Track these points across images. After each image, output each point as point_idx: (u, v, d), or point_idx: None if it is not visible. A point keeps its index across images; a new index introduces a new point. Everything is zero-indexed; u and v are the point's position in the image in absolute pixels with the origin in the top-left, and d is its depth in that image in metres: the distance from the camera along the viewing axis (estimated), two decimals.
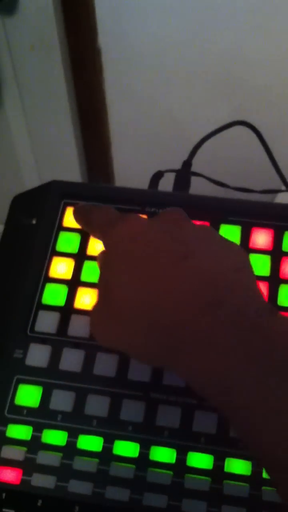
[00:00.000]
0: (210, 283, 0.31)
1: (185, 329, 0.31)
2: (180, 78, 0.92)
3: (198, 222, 0.44)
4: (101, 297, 0.35)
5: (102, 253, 0.39)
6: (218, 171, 0.61)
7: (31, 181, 1.02)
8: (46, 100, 0.97)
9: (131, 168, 0.53)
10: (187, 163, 0.51)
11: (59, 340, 0.41)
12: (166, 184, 0.53)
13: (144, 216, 0.43)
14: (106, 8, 0.87)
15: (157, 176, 0.51)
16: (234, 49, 0.89)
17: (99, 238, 0.39)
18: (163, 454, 0.38)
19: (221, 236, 0.36)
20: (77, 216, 0.41)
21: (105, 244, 0.37)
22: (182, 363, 0.31)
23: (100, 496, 0.37)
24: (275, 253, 0.43)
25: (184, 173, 0.50)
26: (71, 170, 1.01)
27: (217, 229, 0.44)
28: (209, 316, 0.30)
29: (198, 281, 0.31)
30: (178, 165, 0.53)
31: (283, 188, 0.56)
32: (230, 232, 0.44)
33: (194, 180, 0.54)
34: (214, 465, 0.38)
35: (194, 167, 0.54)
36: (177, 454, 0.38)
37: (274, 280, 0.42)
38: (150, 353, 0.33)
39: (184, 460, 0.38)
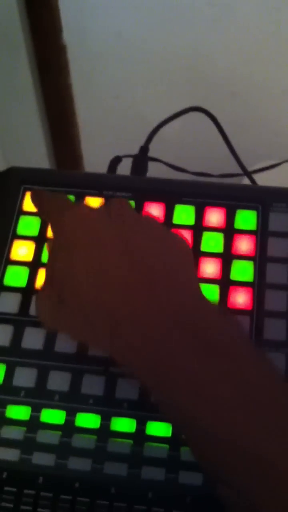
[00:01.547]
0: (147, 277, 0.33)
1: (125, 318, 0.32)
2: (143, 71, 0.94)
3: (154, 204, 0.46)
4: (46, 281, 0.37)
5: (50, 239, 0.40)
6: (182, 158, 0.63)
7: None
8: (12, 98, 0.97)
9: (99, 157, 0.55)
10: (144, 148, 0.52)
11: (21, 320, 0.43)
12: (127, 169, 0.55)
13: (98, 200, 0.45)
14: (70, 5, 0.89)
15: (115, 161, 0.52)
16: (195, 42, 0.91)
17: (48, 223, 0.41)
18: (123, 425, 0.40)
19: (164, 227, 0.38)
20: (32, 200, 0.44)
21: (52, 231, 0.39)
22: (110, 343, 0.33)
23: (63, 467, 0.39)
24: (228, 230, 0.45)
25: (141, 158, 0.52)
26: (40, 164, 1.02)
27: (172, 209, 0.46)
28: (148, 306, 0.32)
29: (135, 272, 0.33)
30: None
31: (241, 172, 0.58)
32: (185, 212, 0.46)
33: (154, 165, 0.56)
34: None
35: (159, 154, 0.55)
36: (136, 424, 0.39)
37: (227, 256, 0.44)
38: (89, 335, 0.35)
39: (144, 430, 0.39)
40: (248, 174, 0.58)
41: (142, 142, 0.56)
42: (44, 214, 0.42)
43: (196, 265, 0.43)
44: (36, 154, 1.01)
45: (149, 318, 0.32)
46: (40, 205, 0.42)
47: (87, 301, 0.33)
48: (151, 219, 0.38)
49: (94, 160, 0.93)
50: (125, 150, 0.56)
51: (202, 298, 0.34)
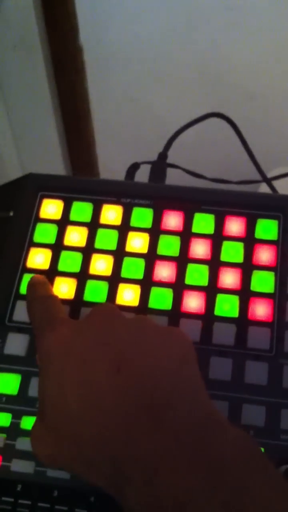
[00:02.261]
0: (147, 398, 0.30)
1: (121, 449, 0.29)
2: (160, 74, 0.93)
3: (173, 212, 0.45)
4: (38, 409, 0.34)
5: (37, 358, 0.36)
6: (199, 163, 0.62)
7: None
8: (29, 99, 0.97)
9: (115, 162, 0.54)
10: (163, 155, 0.52)
11: None
12: (144, 176, 0.54)
13: (116, 208, 0.44)
14: (87, 7, 0.88)
15: (134, 167, 0.52)
16: (213, 46, 0.90)
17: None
18: None
19: (156, 328, 0.34)
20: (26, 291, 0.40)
21: (37, 351, 0.35)
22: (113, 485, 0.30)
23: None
24: (248, 240, 0.44)
25: (160, 165, 0.51)
26: (55, 168, 1.02)
27: (191, 218, 0.45)
28: (148, 435, 0.29)
29: (134, 396, 0.30)
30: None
31: (260, 178, 0.57)
32: (204, 221, 0.45)
33: (172, 172, 0.55)
34: None
35: (176, 160, 0.55)
36: None
37: (247, 266, 0.43)
38: (86, 471, 0.31)
39: None
40: (268, 181, 0.57)
41: (158, 146, 0.55)
42: (32, 323, 0.38)
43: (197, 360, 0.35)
44: (51, 158, 1.01)
45: (153, 453, 0.28)
46: (28, 309, 0.39)
47: (81, 434, 0.30)
48: (142, 320, 0.35)
49: (109, 164, 0.93)
50: (141, 154, 0.55)
51: (212, 415, 0.31)
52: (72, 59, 0.93)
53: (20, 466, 0.39)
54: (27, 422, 0.40)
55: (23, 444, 0.39)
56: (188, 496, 0.27)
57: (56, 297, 0.39)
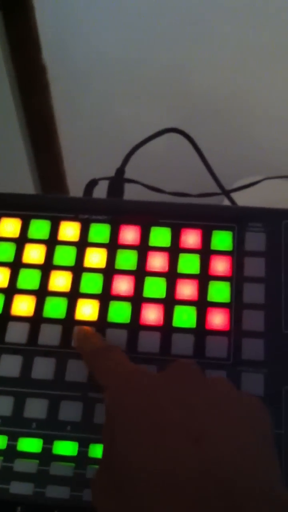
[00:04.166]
0: (226, 480, 0.27)
1: None
2: (124, 89, 0.94)
3: (129, 227, 0.46)
4: (103, 464, 0.31)
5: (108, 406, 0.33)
6: (161, 178, 0.63)
7: None
8: None
9: (83, 178, 0.55)
10: (120, 170, 0.52)
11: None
12: (104, 191, 0.55)
13: (74, 224, 0.45)
14: (49, 24, 0.89)
15: (92, 184, 0.52)
16: (178, 61, 0.91)
17: (101, 381, 0.36)
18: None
19: (239, 396, 0.32)
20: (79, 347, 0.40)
21: (108, 399, 0.33)
22: None
23: (41, 496, 0.38)
24: (204, 251, 0.45)
25: (117, 180, 0.52)
26: (24, 186, 1.02)
27: (148, 232, 0.46)
28: None
29: (211, 473, 0.27)
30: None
31: (219, 191, 0.58)
32: (161, 234, 0.46)
33: (131, 187, 0.56)
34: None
35: (139, 175, 0.55)
36: None
37: (204, 277, 0.44)
38: None
39: None
40: (227, 193, 0.58)
41: (119, 163, 0.56)
42: (99, 375, 0.36)
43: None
44: (19, 176, 1.01)
45: None
46: (89, 362, 0.38)
47: (151, 497, 0.28)
48: (224, 384, 0.33)
49: (78, 180, 0.93)
50: (107, 169, 0.56)
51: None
52: (36, 77, 0.93)
53: (19, 488, 0.38)
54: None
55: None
56: None
57: (118, 348, 0.38)
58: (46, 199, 0.48)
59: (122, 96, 0.97)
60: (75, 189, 1.04)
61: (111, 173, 0.54)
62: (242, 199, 0.61)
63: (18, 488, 0.38)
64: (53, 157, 1.01)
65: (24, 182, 1.02)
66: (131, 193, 0.55)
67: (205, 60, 0.95)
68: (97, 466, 0.38)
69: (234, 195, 0.60)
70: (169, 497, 0.27)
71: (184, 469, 0.28)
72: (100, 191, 0.56)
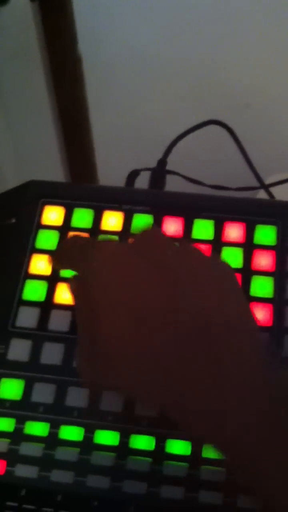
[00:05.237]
0: (203, 329, 0.30)
1: (179, 375, 0.29)
2: (159, 82, 0.94)
3: (172, 218, 0.46)
4: (81, 332, 0.34)
5: (76, 281, 0.36)
6: (198, 170, 0.63)
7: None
8: (28, 108, 0.98)
9: (114, 170, 0.55)
10: (162, 162, 0.52)
11: (40, 334, 0.42)
12: (143, 183, 0.55)
13: (117, 214, 0.45)
14: (86, 16, 0.89)
15: (133, 174, 0.52)
16: (210, 54, 0.91)
17: (72, 268, 0.37)
18: (142, 442, 0.39)
19: (205, 257, 0.34)
20: (52, 261, 0.41)
21: (81, 274, 0.35)
22: (172, 399, 0.30)
23: (81, 485, 0.38)
24: (247, 245, 0.45)
25: (159, 171, 0.52)
26: (55, 177, 1.02)
27: (191, 224, 0.45)
28: (205, 358, 0.29)
29: (190, 324, 0.30)
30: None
31: (258, 185, 0.58)
32: (204, 227, 0.45)
33: (170, 178, 0.55)
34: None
35: (175, 167, 0.55)
36: (156, 441, 0.39)
37: (247, 272, 0.44)
38: (138, 390, 0.31)
39: (164, 448, 0.39)
40: (266, 188, 0.57)
41: (155, 154, 0.56)
42: (68, 262, 0.38)
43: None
44: (50, 166, 1.02)
45: (206, 373, 0.29)
46: (58, 254, 0.40)
47: (133, 351, 0.30)
48: (190, 247, 0.35)
49: (109, 172, 0.93)
50: (138, 163, 0.56)
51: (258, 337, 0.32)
52: (71, 69, 0.93)
53: (24, 471, 0.39)
54: (31, 427, 0.40)
55: (27, 449, 0.39)
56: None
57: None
58: (90, 188, 0.49)
59: (155, 90, 0.96)
60: (106, 181, 1.04)
61: (142, 165, 0.54)
62: (278, 194, 0.61)
63: (23, 471, 0.39)
64: (85, 149, 1.01)
65: (54, 173, 1.02)
66: (170, 185, 0.54)
67: (240, 53, 0.94)
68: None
69: (272, 190, 0.60)
70: (147, 339, 0.30)
71: (158, 311, 0.30)
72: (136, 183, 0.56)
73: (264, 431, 0.28)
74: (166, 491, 0.38)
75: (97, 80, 0.95)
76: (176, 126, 0.56)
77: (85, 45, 0.91)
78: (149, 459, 0.39)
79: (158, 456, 0.39)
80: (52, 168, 1.01)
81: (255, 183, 0.59)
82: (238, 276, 0.43)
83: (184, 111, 0.92)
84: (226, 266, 0.35)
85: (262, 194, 0.62)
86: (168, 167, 0.55)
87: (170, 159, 0.56)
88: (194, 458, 0.38)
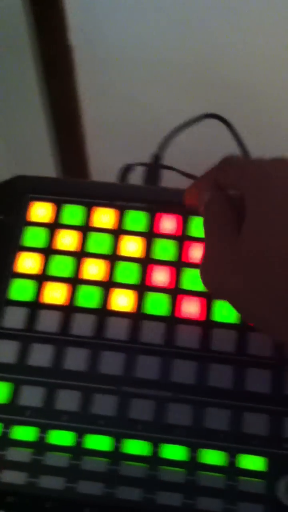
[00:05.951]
0: None
1: None
2: (155, 74, 0.92)
3: (168, 216, 0.44)
4: (229, 242, 0.33)
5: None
6: (195, 165, 0.61)
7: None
8: (19, 99, 0.96)
9: (107, 164, 0.53)
10: (157, 156, 0.50)
11: (28, 335, 0.41)
12: (138, 178, 0.53)
13: (109, 211, 0.43)
14: (77, 4, 0.87)
15: (127, 169, 0.51)
16: (210, 46, 0.89)
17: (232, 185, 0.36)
18: (137, 447, 0.38)
19: None
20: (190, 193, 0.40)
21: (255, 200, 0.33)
22: None
23: (72, 491, 0.36)
24: None
25: (154, 166, 0.50)
26: (46, 170, 1.00)
27: (188, 221, 0.44)
28: None
29: None
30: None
31: None
32: (202, 225, 0.44)
33: (166, 173, 0.54)
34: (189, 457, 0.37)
35: (172, 162, 0.53)
36: (153, 447, 0.37)
37: None
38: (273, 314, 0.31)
39: (157, 452, 0.37)
40: None
41: (150, 148, 0.54)
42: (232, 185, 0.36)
43: None
44: (41, 159, 0.99)
45: None
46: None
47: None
48: None
49: (101, 166, 0.91)
50: (133, 156, 0.54)
51: None
52: (62, 58, 0.91)
53: (11, 477, 0.37)
54: (18, 432, 0.38)
55: (14, 454, 0.37)
56: None
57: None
58: (80, 183, 0.47)
59: (150, 82, 0.94)
60: (98, 175, 1.02)
61: (136, 159, 0.52)
62: None
63: (11, 477, 0.37)
64: (77, 142, 0.98)
65: (46, 166, 1.00)
66: (166, 180, 0.52)
67: (240, 46, 0.92)
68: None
69: None
70: None
71: None
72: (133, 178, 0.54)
73: None
74: (163, 498, 0.36)
75: (89, 70, 0.93)
76: (173, 119, 0.54)
77: (77, 34, 0.89)
78: (144, 464, 0.37)
79: (153, 461, 0.37)
80: (43, 161, 0.99)
81: None
82: None
83: (182, 103, 0.89)
84: None
85: None
86: (164, 162, 0.53)
87: (167, 153, 0.54)
88: (192, 463, 0.37)
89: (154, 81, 0.93)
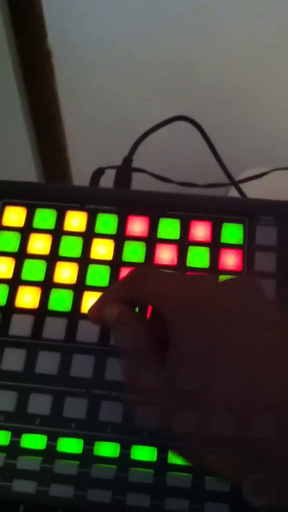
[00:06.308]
0: None
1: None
2: (130, 77, 0.93)
3: (137, 218, 0.45)
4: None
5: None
6: (168, 167, 0.62)
7: None
8: None
9: (88, 167, 0.53)
10: (128, 159, 0.51)
11: (1, 340, 0.41)
12: (111, 181, 0.53)
13: (80, 214, 0.43)
14: (55, 9, 0.87)
15: (98, 173, 0.51)
16: (183, 49, 0.90)
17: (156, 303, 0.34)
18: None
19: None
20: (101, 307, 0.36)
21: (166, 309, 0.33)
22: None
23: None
24: (214, 245, 0.44)
25: (125, 169, 0.50)
26: (27, 174, 1.00)
27: (157, 223, 0.44)
28: None
29: None
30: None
31: (228, 182, 0.57)
32: (170, 226, 0.44)
33: (139, 176, 0.54)
34: (157, 457, 0.38)
35: (144, 164, 0.54)
36: (121, 448, 0.38)
37: (214, 271, 0.43)
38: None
39: (128, 454, 0.38)
40: (235, 184, 0.56)
41: (127, 151, 0.54)
42: (143, 296, 0.35)
43: None
44: (22, 163, 1.00)
45: None
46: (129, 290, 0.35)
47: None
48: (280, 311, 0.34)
49: (82, 168, 0.92)
50: (112, 158, 0.54)
51: None
52: (41, 63, 0.91)
53: (21, 486, 0.37)
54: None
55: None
56: None
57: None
58: (52, 188, 0.47)
59: (127, 85, 0.95)
60: (79, 177, 1.03)
61: (116, 162, 0.53)
62: (250, 190, 0.60)
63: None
64: (57, 145, 0.99)
65: (26, 170, 1.00)
66: (138, 183, 0.53)
67: (211, 49, 0.93)
68: (104, 465, 0.38)
69: (243, 186, 0.59)
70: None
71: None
72: (105, 180, 0.54)
73: None
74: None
75: (68, 74, 0.93)
76: (148, 122, 0.55)
77: (55, 40, 0.89)
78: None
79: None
80: (23, 165, 0.99)
81: (226, 179, 0.58)
82: None
83: (156, 106, 0.90)
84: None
85: (233, 191, 0.61)
86: (138, 165, 0.54)
87: (140, 156, 0.54)
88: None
89: (130, 84, 0.94)
